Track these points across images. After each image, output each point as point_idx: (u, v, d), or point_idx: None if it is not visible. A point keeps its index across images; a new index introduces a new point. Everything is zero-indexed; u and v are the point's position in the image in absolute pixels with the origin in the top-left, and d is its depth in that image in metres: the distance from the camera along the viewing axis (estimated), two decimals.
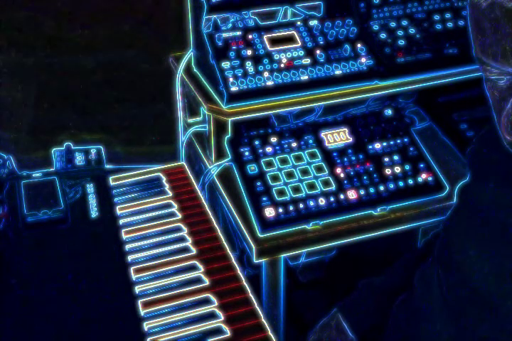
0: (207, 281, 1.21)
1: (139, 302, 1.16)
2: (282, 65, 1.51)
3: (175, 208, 1.39)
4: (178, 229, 1.33)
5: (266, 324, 1.13)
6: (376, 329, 1.34)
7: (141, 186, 1.45)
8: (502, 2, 0.83)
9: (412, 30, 1.60)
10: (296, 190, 1.45)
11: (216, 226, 1.35)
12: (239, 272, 1.24)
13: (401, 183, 1.49)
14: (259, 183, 1.45)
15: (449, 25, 1.61)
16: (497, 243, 1.03)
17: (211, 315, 1.14)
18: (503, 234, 1.02)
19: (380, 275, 1.40)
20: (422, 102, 1.80)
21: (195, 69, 1.68)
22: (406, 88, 1.58)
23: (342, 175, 1.49)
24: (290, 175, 1.48)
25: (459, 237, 1.12)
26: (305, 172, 1.48)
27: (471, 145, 1.19)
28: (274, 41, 1.54)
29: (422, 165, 1.52)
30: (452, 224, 1.17)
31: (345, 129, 1.57)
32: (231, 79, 1.47)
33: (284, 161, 1.50)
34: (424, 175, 1.51)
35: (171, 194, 1.43)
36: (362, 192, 1.47)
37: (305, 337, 1.44)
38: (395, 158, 1.53)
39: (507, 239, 1.01)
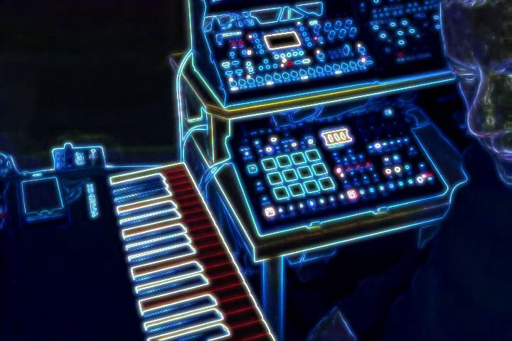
0: (207, 281, 1.21)
1: (139, 302, 1.16)
2: (282, 65, 1.51)
3: (175, 208, 1.39)
4: (178, 229, 1.33)
5: (266, 324, 1.13)
6: (376, 328, 1.34)
7: (141, 186, 1.45)
8: (462, 3, 0.86)
9: (412, 30, 1.60)
10: (296, 190, 1.45)
11: (216, 226, 1.35)
12: (239, 272, 1.24)
13: (401, 183, 1.49)
14: (259, 183, 1.45)
15: None
16: (492, 247, 1.03)
17: (211, 315, 1.14)
18: (497, 238, 1.02)
19: (381, 275, 1.40)
20: (422, 102, 1.80)
21: (195, 69, 1.68)
22: (406, 88, 1.58)
23: (342, 175, 1.49)
24: (290, 175, 1.48)
25: (454, 240, 1.12)
26: (305, 172, 1.48)
27: (467, 148, 1.19)
28: (274, 41, 1.54)
29: (422, 165, 1.52)
30: (447, 227, 1.17)
31: (345, 129, 1.57)
32: (231, 79, 1.47)
33: (284, 161, 1.50)
34: (424, 175, 1.51)
35: (171, 194, 1.43)
36: (362, 192, 1.47)
37: (305, 337, 1.44)
38: (395, 158, 1.53)
39: (501, 242, 1.01)
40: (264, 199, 1.43)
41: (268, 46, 1.53)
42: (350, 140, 1.55)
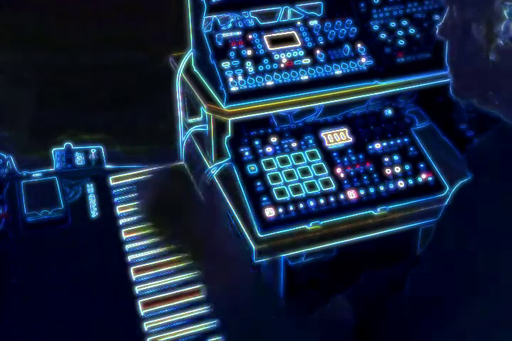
0: None
1: (139, 302, 1.16)
2: (282, 65, 1.51)
3: None
4: None
5: None
6: (376, 318, 1.33)
7: (141, 186, 1.45)
8: None
9: (412, 30, 1.60)
10: (296, 190, 1.45)
11: None
12: None
13: (401, 183, 1.49)
14: (259, 183, 1.45)
15: None
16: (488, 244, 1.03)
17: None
18: (494, 233, 1.01)
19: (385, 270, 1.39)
20: (422, 102, 1.80)
21: (195, 69, 1.68)
22: (406, 88, 1.58)
23: (342, 175, 1.48)
24: (290, 175, 1.47)
25: (448, 239, 1.12)
26: (305, 172, 1.48)
27: (474, 143, 1.19)
28: (274, 41, 1.54)
29: (422, 165, 1.52)
30: (442, 226, 1.17)
31: (345, 129, 1.57)
32: (231, 79, 1.47)
33: (284, 161, 1.50)
34: (424, 175, 1.51)
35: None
36: (362, 192, 1.47)
37: None
38: (395, 158, 1.53)
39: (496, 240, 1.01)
40: (264, 199, 1.43)
41: (268, 46, 1.53)
42: (350, 140, 1.55)
